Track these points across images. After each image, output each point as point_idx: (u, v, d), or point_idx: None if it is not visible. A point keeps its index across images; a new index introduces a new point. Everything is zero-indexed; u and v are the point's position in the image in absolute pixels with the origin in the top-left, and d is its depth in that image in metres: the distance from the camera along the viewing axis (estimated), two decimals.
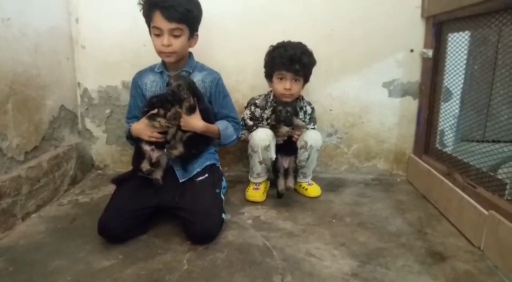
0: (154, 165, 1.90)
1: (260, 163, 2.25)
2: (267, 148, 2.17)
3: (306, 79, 2.28)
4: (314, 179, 2.46)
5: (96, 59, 2.58)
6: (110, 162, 2.77)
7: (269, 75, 2.30)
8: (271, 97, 2.35)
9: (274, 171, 2.31)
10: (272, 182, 2.41)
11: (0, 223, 1.80)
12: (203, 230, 1.76)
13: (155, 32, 1.91)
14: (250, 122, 2.35)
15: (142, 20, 2.41)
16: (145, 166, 1.86)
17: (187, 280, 1.51)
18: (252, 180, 2.34)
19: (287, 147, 2.24)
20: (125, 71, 2.55)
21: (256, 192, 2.30)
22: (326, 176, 2.58)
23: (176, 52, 1.95)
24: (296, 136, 2.21)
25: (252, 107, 2.36)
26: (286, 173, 2.28)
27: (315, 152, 2.24)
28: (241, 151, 2.63)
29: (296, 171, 2.30)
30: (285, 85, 2.22)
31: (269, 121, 2.31)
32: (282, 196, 2.27)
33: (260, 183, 2.33)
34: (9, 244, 1.76)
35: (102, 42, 2.56)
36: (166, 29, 1.88)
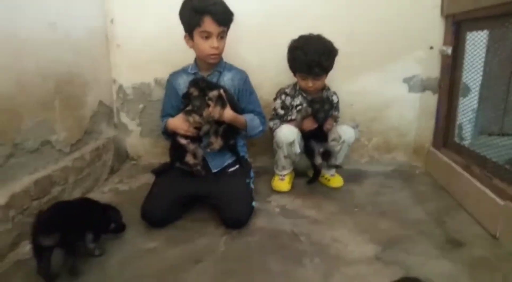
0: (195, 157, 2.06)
1: (285, 157, 2.39)
2: (291, 144, 2.30)
3: (328, 72, 2.37)
4: (336, 170, 2.57)
5: (130, 58, 2.75)
6: (143, 153, 2.95)
7: (293, 73, 2.43)
8: (298, 86, 2.46)
9: (308, 152, 2.38)
10: (297, 173, 2.54)
11: None
12: (235, 216, 1.93)
13: (204, 35, 2.04)
14: (281, 111, 2.46)
15: (173, 21, 2.55)
16: (190, 159, 2.03)
17: (224, 261, 1.67)
18: (277, 172, 2.48)
19: (318, 134, 2.34)
20: (157, 68, 2.72)
21: (282, 182, 2.44)
22: (348, 168, 2.69)
23: (220, 54, 2.12)
24: (328, 126, 2.33)
25: (283, 96, 2.47)
26: (322, 155, 2.34)
27: (346, 146, 2.37)
28: (266, 143, 2.75)
29: (330, 155, 2.35)
30: (307, 84, 2.35)
31: (298, 109, 2.42)
32: (318, 176, 2.43)
33: (285, 174, 2.47)
34: None
35: (136, 41, 2.72)
36: (215, 32, 2.03)
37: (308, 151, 2.38)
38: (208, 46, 2.05)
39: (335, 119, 2.46)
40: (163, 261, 1.66)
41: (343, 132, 2.33)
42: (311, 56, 2.22)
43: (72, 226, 1.55)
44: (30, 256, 1.68)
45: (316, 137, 2.35)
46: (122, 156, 2.87)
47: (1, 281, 1.53)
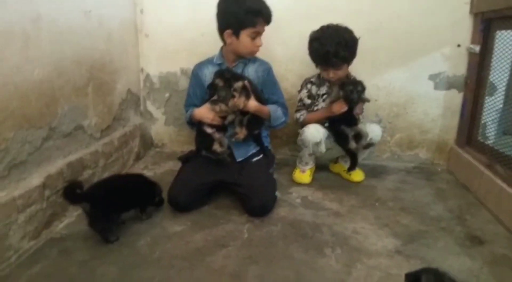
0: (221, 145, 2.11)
1: (310, 155, 2.43)
2: (318, 144, 2.33)
3: (350, 62, 2.35)
4: (357, 165, 2.59)
5: (158, 47, 2.81)
6: (167, 141, 3.03)
7: (313, 62, 2.43)
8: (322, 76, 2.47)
9: (341, 139, 2.36)
10: (317, 166, 2.58)
11: None
12: (260, 204, 1.98)
13: (253, 35, 2.11)
14: (308, 101, 2.47)
15: (200, 12, 2.64)
16: (217, 147, 2.08)
17: (248, 247, 1.73)
18: (300, 166, 2.51)
19: (348, 118, 2.33)
20: (183, 58, 2.78)
21: (303, 175, 2.48)
22: (368, 163, 2.72)
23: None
24: (358, 111, 2.33)
25: (308, 85, 2.48)
26: (355, 137, 2.34)
27: (372, 141, 2.37)
28: (287, 135, 2.80)
29: (361, 136, 2.34)
30: (328, 74, 2.36)
31: (324, 98, 2.44)
32: (355, 163, 2.41)
33: (308, 168, 2.50)
34: None
35: (164, 31, 2.78)
36: (262, 32, 2.14)
37: (340, 137, 2.36)
38: (254, 45, 2.13)
39: (367, 101, 2.38)
40: (190, 244, 1.73)
41: (371, 130, 2.34)
42: (328, 47, 2.23)
43: (109, 197, 1.75)
44: (63, 234, 1.79)
45: (346, 122, 2.33)
46: (147, 143, 2.95)
47: (36, 257, 1.61)
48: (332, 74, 2.34)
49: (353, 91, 2.23)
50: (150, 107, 2.95)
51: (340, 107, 2.27)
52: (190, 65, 2.74)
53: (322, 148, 2.36)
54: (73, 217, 1.95)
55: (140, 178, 2.02)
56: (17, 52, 1.61)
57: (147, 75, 2.87)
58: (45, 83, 1.78)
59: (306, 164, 2.48)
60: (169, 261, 1.61)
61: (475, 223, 1.99)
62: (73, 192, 1.66)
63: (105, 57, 2.34)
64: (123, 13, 2.59)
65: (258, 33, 2.12)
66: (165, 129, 3.00)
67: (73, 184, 1.69)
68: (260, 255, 1.67)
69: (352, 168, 2.46)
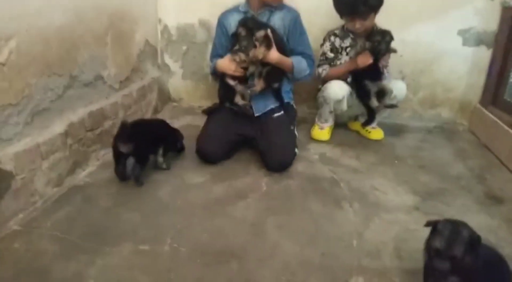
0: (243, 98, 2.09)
1: (330, 112, 2.38)
2: (340, 101, 2.28)
3: (376, 12, 2.25)
4: (375, 121, 2.55)
5: None
6: (184, 96, 3.01)
7: (338, 13, 2.33)
8: (346, 28, 2.38)
9: (363, 95, 2.32)
10: (336, 123, 2.54)
11: (103, 141, 2.09)
12: (279, 160, 1.99)
13: None
14: (331, 54, 2.40)
15: None
16: (239, 100, 2.06)
17: (267, 199, 1.75)
18: (319, 123, 2.47)
19: (372, 72, 2.25)
20: (202, 9, 2.70)
21: (322, 132, 2.45)
22: (388, 121, 2.67)
23: None
24: (384, 62, 2.24)
25: (332, 38, 2.40)
26: (376, 95, 2.28)
27: (395, 102, 2.32)
28: (307, 91, 2.74)
29: (384, 93, 2.27)
30: (354, 25, 2.25)
31: (348, 51, 2.36)
32: (373, 118, 2.39)
33: (327, 125, 2.47)
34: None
35: None
36: None
37: (362, 92, 2.31)
38: None
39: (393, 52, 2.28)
40: (210, 195, 1.76)
41: (395, 87, 2.27)
42: None
43: (146, 140, 1.85)
44: (86, 182, 1.83)
45: (370, 76, 2.26)
46: (164, 97, 2.94)
47: (61, 203, 1.66)
48: (358, 25, 2.24)
49: (380, 42, 2.14)
50: (168, 60, 2.90)
51: (366, 60, 2.19)
52: (208, 16, 2.70)
53: (344, 106, 2.32)
54: (95, 166, 1.99)
55: (163, 123, 2.12)
56: None
57: (165, 27, 2.81)
58: (66, 30, 1.76)
59: (326, 121, 2.44)
60: (190, 209, 1.65)
61: (495, 182, 1.98)
62: (125, 133, 1.76)
63: (125, 6, 2.28)
64: None
65: None
66: (182, 83, 2.97)
67: (126, 125, 1.78)
68: (278, 207, 1.69)
69: (367, 123, 2.42)
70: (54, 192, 1.72)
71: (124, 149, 1.76)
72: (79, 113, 1.91)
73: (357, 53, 2.24)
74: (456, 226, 1.11)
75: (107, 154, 2.11)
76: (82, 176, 1.89)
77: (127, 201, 1.69)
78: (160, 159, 1.98)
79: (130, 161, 1.81)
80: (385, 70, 2.33)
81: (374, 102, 2.27)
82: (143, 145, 1.84)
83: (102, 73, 2.10)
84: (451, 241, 1.07)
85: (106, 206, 1.65)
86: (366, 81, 2.26)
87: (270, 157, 1.99)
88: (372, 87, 2.26)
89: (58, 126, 1.75)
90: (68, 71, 1.80)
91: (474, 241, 1.08)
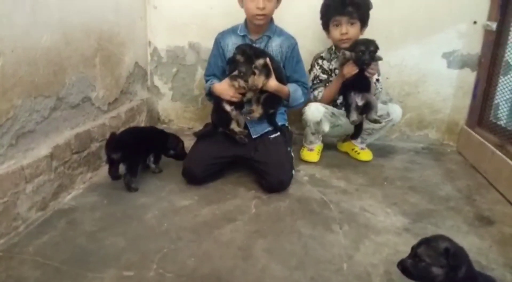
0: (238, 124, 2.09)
1: (313, 134, 2.40)
2: (319, 123, 2.30)
3: (363, 23, 2.29)
4: (366, 145, 2.56)
5: (166, 20, 2.75)
6: (174, 117, 3.00)
7: (326, 25, 2.36)
8: (333, 49, 2.41)
9: (346, 106, 2.30)
10: (326, 144, 2.55)
11: (90, 163, 2.07)
12: (278, 181, 1.98)
13: None
14: (324, 76, 2.41)
15: None
16: (235, 127, 2.06)
17: (256, 221, 1.73)
18: (306, 145, 2.49)
19: (359, 83, 2.22)
20: (192, 32, 2.73)
21: (311, 153, 2.46)
22: (377, 143, 2.67)
23: (267, 15, 2.08)
24: (371, 70, 2.20)
25: (320, 61, 2.43)
26: (362, 109, 2.24)
27: (390, 126, 2.35)
28: (295, 113, 2.75)
29: (370, 107, 2.23)
30: (341, 30, 2.27)
31: (337, 72, 2.35)
32: (359, 132, 2.36)
33: (314, 147, 2.47)
34: (99, 182, 2.04)
35: (173, 3, 2.72)
36: None
37: (346, 104, 2.30)
38: (254, 6, 2.03)
39: (379, 59, 2.23)
40: (198, 218, 1.73)
41: (392, 110, 2.30)
42: None
43: (135, 147, 1.97)
44: (71, 206, 1.79)
45: (357, 87, 2.23)
46: (154, 119, 2.93)
47: (44, 228, 1.61)
48: (344, 30, 2.25)
49: (364, 52, 2.12)
50: (157, 82, 2.91)
51: (351, 70, 2.18)
52: (198, 39, 2.73)
53: (325, 127, 2.34)
54: (81, 189, 1.95)
55: (154, 129, 2.27)
56: (26, 16, 1.58)
57: (155, 49, 2.83)
58: (53, 51, 1.75)
59: (311, 142, 2.45)
60: (177, 233, 1.61)
61: (484, 203, 1.98)
62: (113, 141, 1.90)
63: (114, 28, 2.30)
64: None
65: None
66: (172, 105, 2.97)
67: (114, 135, 1.93)
68: (267, 230, 1.67)
69: (354, 136, 2.42)
70: (37, 216, 1.67)
71: (114, 155, 1.91)
72: (65, 135, 1.88)
73: (341, 65, 2.23)
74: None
75: (94, 177, 2.08)
76: (67, 199, 1.85)
77: (112, 225, 1.65)
78: (152, 165, 2.15)
79: (122, 166, 1.95)
80: (378, 84, 2.34)
81: (353, 116, 2.23)
82: (132, 152, 1.95)
83: (90, 95, 2.09)
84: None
85: (91, 230, 1.61)
86: (352, 93, 2.24)
87: (268, 178, 1.97)
88: (358, 99, 2.24)
89: (43, 149, 1.72)
90: (55, 93, 1.79)
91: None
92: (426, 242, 1.13)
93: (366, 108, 2.24)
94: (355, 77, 2.19)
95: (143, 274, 1.36)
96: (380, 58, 2.19)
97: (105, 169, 2.05)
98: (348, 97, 2.26)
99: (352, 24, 2.26)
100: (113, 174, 1.98)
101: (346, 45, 2.26)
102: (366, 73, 2.20)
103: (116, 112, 2.35)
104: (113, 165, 1.97)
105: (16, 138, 1.57)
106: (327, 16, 2.32)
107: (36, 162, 1.66)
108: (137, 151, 1.99)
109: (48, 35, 1.71)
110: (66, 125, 1.90)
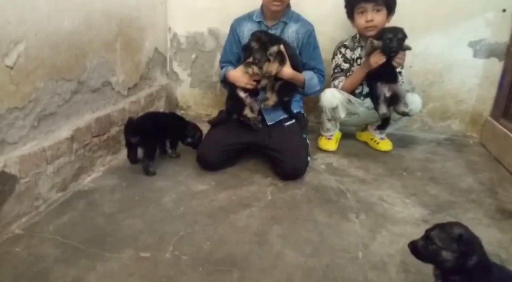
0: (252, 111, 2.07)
1: (329, 120, 2.36)
2: (334, 109, 2.26)
3: (389, 9, 2.22)
4: (386, 134, 2.52)
5: (186, 5, 2.75)
6: (192, 104, 3.01)
7: (350, 13, 2.30)
8: (357, 37, 2.35)
9: (373, 99, 2.27)
10: (344, 133, 2.52)
11: (110, 147, 2.10)
12: (293, 168, 1.96)
13: None
14: (346, 65, 2.37)
15: None
16: (248, 113, 2.05)
17: (271, 208, 1.73)
18: (322, 133, 2.46)
19: (386, 73, 2.18)
20: (212, 18, 2.72)
21: (329, 142, 2.43)
22: (397, 133, 2.62)
23: (284, 1, 2.04)
24: (399, 60, 2.15)
25: (343, 49, 2.38)
26: (389, 100, 2.21)
27: (408, 111, 2.27)
28: (314, 101, 2.72)
29: (398, 99, 2.19)
30: (366, 18, 2.21)
31: (359, 62, 2.32)
32: (387, 124, 2.34)
33: (332, 135, 2.44)
34: (118, 165, 2.08)
35: None
36: None
37: (373, 95, 2.25)
38: None
39: (408, 49, 2.17)
40: (214, 203, 1.74)
41: (412, 101, 2.23)
42: None
43: (152, 132, 1.99)
44: (90, 188, 1.82)
45: (383, 77, 2.19)
46: (172, 105, 2.94)
47: (64, 208, 1.65)
48: (370, 17, 2.18)
49: (392, 40, 2.06)
50: (177, 68, 2.92)
51: (378, 59, 2.13)
52: (218, 25, 2.72)
53: (341, 113, 2.29)
54: (100, 172, 1.98)
55: (172, 115, 2.29)
56: (48, 0, 1.59)
57: (174, 35, 2.83)
58: (75, 35, 1.77)
59: (328, 130, 2.42)
60: (194, 217, 1.62)
61: (506, 196, 1.93)
62: (131, 126, 1.93)
63: (134, 13, 2.30)
64: None
65: None
66: (190, 91, 2.97)
67: (131, 119, 1.96)
68: (283, 216, 1.66)
69: (380, 127, 2.39)
70: (58, 196, 1.72)
71: (132, 139, 1.93)
72: (85, 118, 1.91)
73: (368, 54, 2.18)
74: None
75: (113, 160, 2.11)
76: (86, 181, 1.89)
77: (131, 208, 1.68)
78: (169, 150, 2.19)
79: (140, 151, 1.97)
80: (400, 77, 2.28)
81: (382, 109, 2.20)
82: (149, 136, 1.98)
83: (111, 80, 2.11)
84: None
85: (109, 211, 1.64)
86: (379, 84, 2.19)
87: (283, 165, 1.96)
88: (385, 90, 2.19)
89: (64, 131, 1.75)
90: (76, 77, 1.81)
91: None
92: (441, 226, 1.11)
93: (394, 100, 2.19)
94: (382, 67, 2.14)
95: (160, 255, 1.38)
96: (409, 48, 2.14)
97: (124, 152, 2.07)
98: (375, 89, 2.22)
99: (378, 11, 2.19)
100: (132, 157, 1.98)
101: (372, 33, 2.20)
102: (394, 63, 2.14)
103: (135, 97, 2.37)
104: (131, 148, 1.98)
105: (38, 120, 1.61)
106: (352, 3, 2.26)
107: (57, 144, 1.69)
108: (154, 135, 2.02)
109: (70, 20, 1.73)
110: (86, 108, 1.93)
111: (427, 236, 1.11)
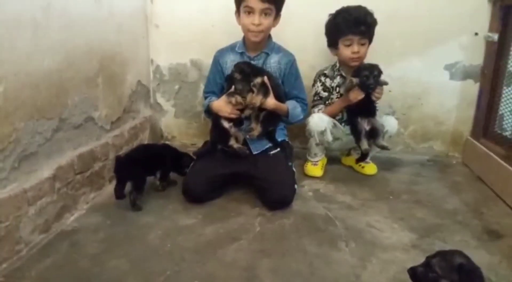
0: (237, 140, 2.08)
1: (317, 144, 2.39)
2: (323, 132, 2.29)
3: (370, 41, 2.31)
4: (370, 158, 2.54)
5: (168, 38, 2.77)
6: (177, 134, 3.00)
7: (333, 43, 2.35)
8: (337, 66, 2.41)
9: (355, 134, 2.33)
10: (329, 158, 2.54)
11: (93, 183, 2.06)
12: (280, 197, 1.96)
13: (247, 10, 2.04)
14: (325, 94, 2.42)
15: (212, 2, 2.59)
16: (233, 143, 2.05)
17: (260, 240, 1.70)
18: (310, 158, 2.47)
19: (365, 108, 2.26)
20: (194, 49, 2.74)
21: (315, 168, 2.44)
22: (381, 155, 2.63)
23: (263, 31, 2.08)
24: (377, 94, 2.23)
25: (322, 78, 2.43)
26: (368, 134, 2.28)
27: (387, 137, 2.33)
28: (298, 128, 2.74)
29: (377, 133, 2.28)
30: (353, 49, 2.26)
31: (338, 90, 2.38)
32: (366, 156, 2.38)
33: (318, 160, 2.46)
34: (102, 201, 2.03)
35: (174, 21, 2.73)
36: (258, 9, 2.02)
37: (354, 131, 2.31)
38: (249, 22, 2.05)
39: (385, 84, 2.27)
40: (201, 237, 1.71)
41: (387, 123, 2.29)
42: (357, 13, 2.21)
43: (142, 166, 1.99)
44: (74, 227, 1.78)
45: (363, 112, 2.27)
46: (157, 136, 2.93)
47: (47, 251, 1.60)
48: (356, 48, 2.25)
49: (369, 77, 2.15)
50: (160, 99, 2.92)
51: (357, 95, 2.20)
52: (200, 56, 2.75)
53: (328, 137, 2.31)
54: (83, 210, 1.94)
55: (165, 147, 2.30)
56: (28, 40, 1.58)
57: (157, 67, 2.84)
58: (55, 73, 1.76)
59: (315, 155, 2.43)
60: (181, 254, 1.59)
61: (492, 216, 1.95)
62: (121, 162, 1.92)
63: (115, 48, 2.31)
64: (133, 3, 2.54)
65: (252, 9, 2.03)
66: (174, 121, 2.97)
67: (119, 157, 1.96)
68: (272, 249, 1.64)
69: (360, 160, 2.43)
70: (40, 238, 1.65)
71: (121, 174, 1.94)
72: (68, 156, 1.87)
73: (347, 90, 2.25)
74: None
75: (97, 197, 2.07)
76: (70, 221, 1.84)
77: (115, 247, 1.63)
78: (157, 182, 2.14)
79: (129, 184, 1.95)
80: (382, 92, 2.32)
81: (364, 144, 2.26)
82: (139, 171, 1.97)
83: (93, 115, 2.09)
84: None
85: (94, 252, 1.59)
86: (359, 119, 2.27)
87: (269, 195, 1.96)
88: (364, 124, 2.26)
89: (46, 171, 1.71)
90: (58, 115, 1.79)
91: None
92: (442, 254, 1.11)
93: (373, 134, 2.26)
94: (361, 102, 2.22)
95: None
96: (386, 83, 2.23)
97: (108, 188, 2.04)
98: (356, 124, 2.29)
99: (363, 44, 2.27)
100: (118, 192, 1.95)
101: (356, 63, 2.29)
102: (373, 97, 2.23)
103: (119, 131, 2.35)
104: (119, 182, 1.96)
105: (19, 161, 1.57)
106: (337, 34, 2.31)
107: (39, 184, 1.65)
108: (144, 167, 2.01)
109: (50, 58, 1.72)
110: (69, 145, 1.90)
111: (427, 263, 1.11)
